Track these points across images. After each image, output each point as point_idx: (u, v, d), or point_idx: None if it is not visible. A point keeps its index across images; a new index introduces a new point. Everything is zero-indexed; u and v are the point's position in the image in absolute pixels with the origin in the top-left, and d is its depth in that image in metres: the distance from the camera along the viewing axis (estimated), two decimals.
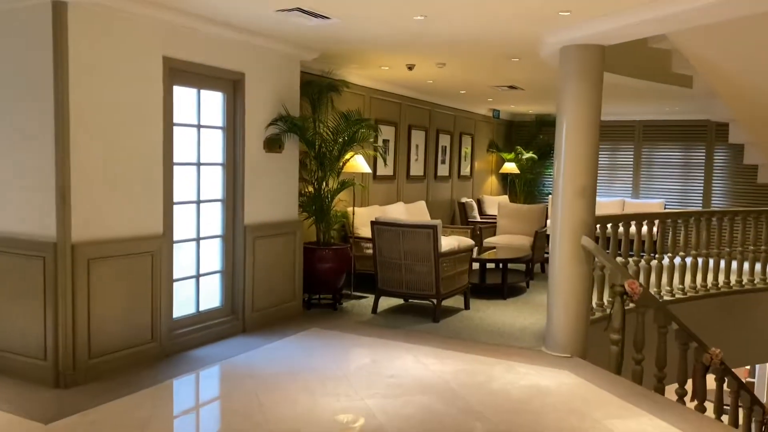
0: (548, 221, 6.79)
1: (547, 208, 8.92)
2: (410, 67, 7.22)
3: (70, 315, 4.28)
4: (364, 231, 7.31)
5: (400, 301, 6.95)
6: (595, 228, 5.51)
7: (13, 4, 4.30)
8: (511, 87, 8.77)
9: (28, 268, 4.34)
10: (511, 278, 7.68)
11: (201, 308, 5.49)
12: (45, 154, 4.25)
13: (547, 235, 5.88)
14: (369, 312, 6.60)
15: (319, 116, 6.59)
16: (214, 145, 5.55)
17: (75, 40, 4.20)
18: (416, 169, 10.04)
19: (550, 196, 10.19)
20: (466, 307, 6.81)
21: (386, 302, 6.84)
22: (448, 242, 6.95)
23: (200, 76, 5.29)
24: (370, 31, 5.51)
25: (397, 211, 8.53)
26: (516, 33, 5.39)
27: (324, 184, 6.57)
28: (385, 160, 8.91)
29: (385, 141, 8.99)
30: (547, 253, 5.71)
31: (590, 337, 5.29)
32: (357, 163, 7.21)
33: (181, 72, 5.07)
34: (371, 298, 6.83)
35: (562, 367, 4.95)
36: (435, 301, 6.31)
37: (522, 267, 8.31)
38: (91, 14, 4.29)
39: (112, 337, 4.58)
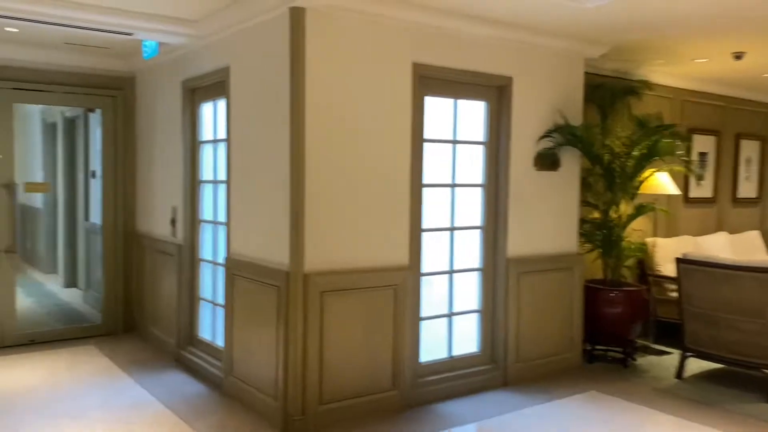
0: None
1: None
2: (738, 56, 5.49)
3: (300, 353, 3.86)
4: (669, 268, 5.76)
5: (718, 366, 5.24)
6: None
7: (256, 19, 4.11)
8: None
9: (266, 297, 4.07)
10: None
11: (453, 353, 4.70)
12: (280, 175, 3.94)
13: None
14: (671, 376, 5.07)
15: (609, 125, 5.35)
16: (472, 163, 4.75)
17: (312, 50, 3.81)
18: (747, 189, 7.90)
19: None
20: None
21: (697, 364, 5.20)
22: None
23: (457, 84, 4.56)
24: (677, 8, 4.15)
25: (717, 245, 6.67)
26: None
27: (614, 208, 5.28)
28: (700, 178, 7.11)
29: (702, 154, 7.18)
30: None
31: None
32: (659, 182, 5.73)
33: (433, 80, 4.40)
34: (676, 354, 5.28)
35: None
36: None
37: None
38: (329, 19, 3.87)
39: (347, 381, 4.06)
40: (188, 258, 5.23)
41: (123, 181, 6.16)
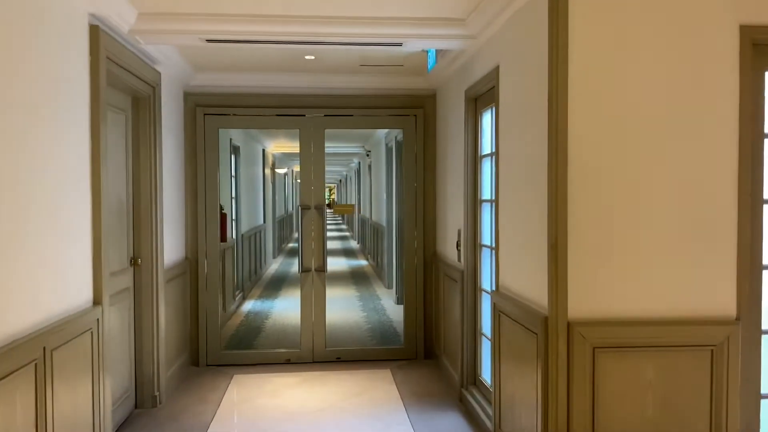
0: None
1: None
2: None
3: (564, 424, 2.94)
4: None
5: None
6: None
7: (517, 3, 3.34)
8: None
9: (526, 345, 3.24)
10: None
11: None
12: (537, 192, 3.10)
13: None
14: None
15: None
16: None
17: (578, 32, 2.89)
18: None
19: None
20: None
21: None
22: None
23: None
24: None
25: None
26: None
27: None
28: None
29: None
30: None
31: None
32: None
33: None
34: None
35: None
36: None
37: None
38: None
39: None
40: (471, 286, 4.68)
41: (423, 201, 5.96)
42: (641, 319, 2.95)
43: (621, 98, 2.92)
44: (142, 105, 4.58)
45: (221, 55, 5.04)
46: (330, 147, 13.24)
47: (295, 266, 14.00)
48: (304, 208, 5.80)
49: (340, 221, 25.00)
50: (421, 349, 5.96)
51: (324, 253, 5.82)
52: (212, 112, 5.67)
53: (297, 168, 23.41)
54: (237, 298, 8.65)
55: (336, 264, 14.09)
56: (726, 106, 2.95)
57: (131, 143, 4.55)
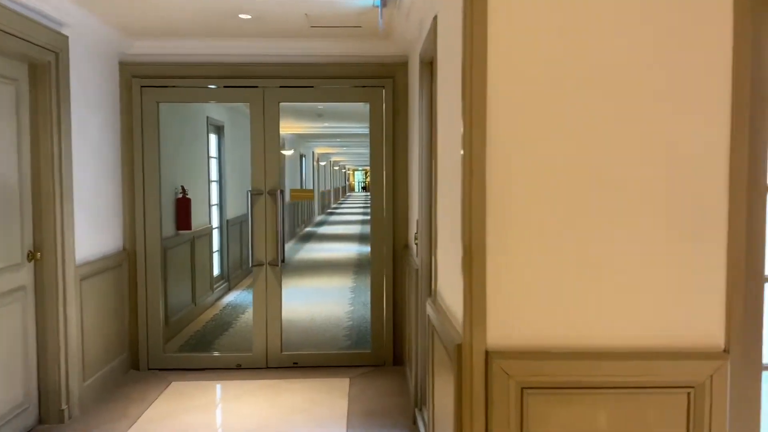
0: None
1: None
2: None
3: None
4: None
5: None
6: None
7: None
8: None
9: (448, 376, 2.48)
10: None
11: None
12: (454, 186, 2.31)
13: None
14: None
15: None
16: None
17: None
18: None
19: None
20: None
21: None
22: None
23: None
24: None
25: None
26: None
27: None
28: None
29: None
30: None
31: None
32: None
33: None
34: None
35: None
36: None
37: None
38: None
39: None
40: (426, 287, 3.92)
41: (392, 185, 5.19)
42: (591, 350, 2.15)
43: (558, 48, 2.10)
44: (41, 74, 3.93)
45: (145, 18, 4.35)
46: (358, 128, 12.56)
47: (304, 252, 13.40)
48: (255, 193, 5.09)
49: (367, 203, 24.34)
50: (389, 355, 5.22)
51: (279, 243, 5.11)
52: (150, 84, 5.00)
53: (319, 150, 22.91)
54: (219, 289, 8.07)
55: (345, 250, 13.43)
56: (714, 57, 2.10)
57: (29, 118, 3.92)
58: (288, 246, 13.62)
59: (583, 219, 2.12)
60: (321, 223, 20.35)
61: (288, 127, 13.45)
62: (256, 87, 5.09)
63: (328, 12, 4.24)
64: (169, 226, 6.29)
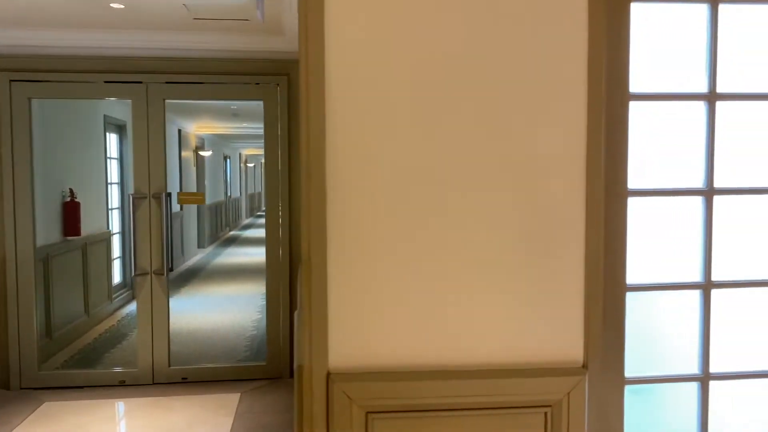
0: None
1: None
2: None
3: None
4: None
5: None
6: None
7: None
8: None
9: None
10: None
11: None
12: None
13: None
14: None
15: None
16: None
17: None
18: None
19: None
20: None
21: None
22: None
23: None
24: None
25: None
26: None
27: None
28: None
29: None
30: None
31: None
32: None
33: None
34: None
35: None
36: None
37: None
38: None
39: None
40: None
41: (288, 186, 4.95)
42: (441, 369, 1.97)
43: (395, 46, 1.92)
44: None
45: (12, 4, 3.96)
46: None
47: (223, 257, 12.95)
48: (138, 197, 4.74)
49: None
50: (286, 368, 4.97)
51: (164, 251, 4.78)
52: (20, 78, 4.59)
53: (247, 152, 22.38)
54: (120, 298, 7.61)
55: None
56: (571, 55, 1.96)
57: None
58: (207, 251, 13.15)
59: (429, 231, 1.94)
60: (248, 227, 19.85)
61: (206, 128, 13.00)
62: (140, 83, 4.75)
63: (207, 2, 3.96)
64: (54, 232, 5.84)
